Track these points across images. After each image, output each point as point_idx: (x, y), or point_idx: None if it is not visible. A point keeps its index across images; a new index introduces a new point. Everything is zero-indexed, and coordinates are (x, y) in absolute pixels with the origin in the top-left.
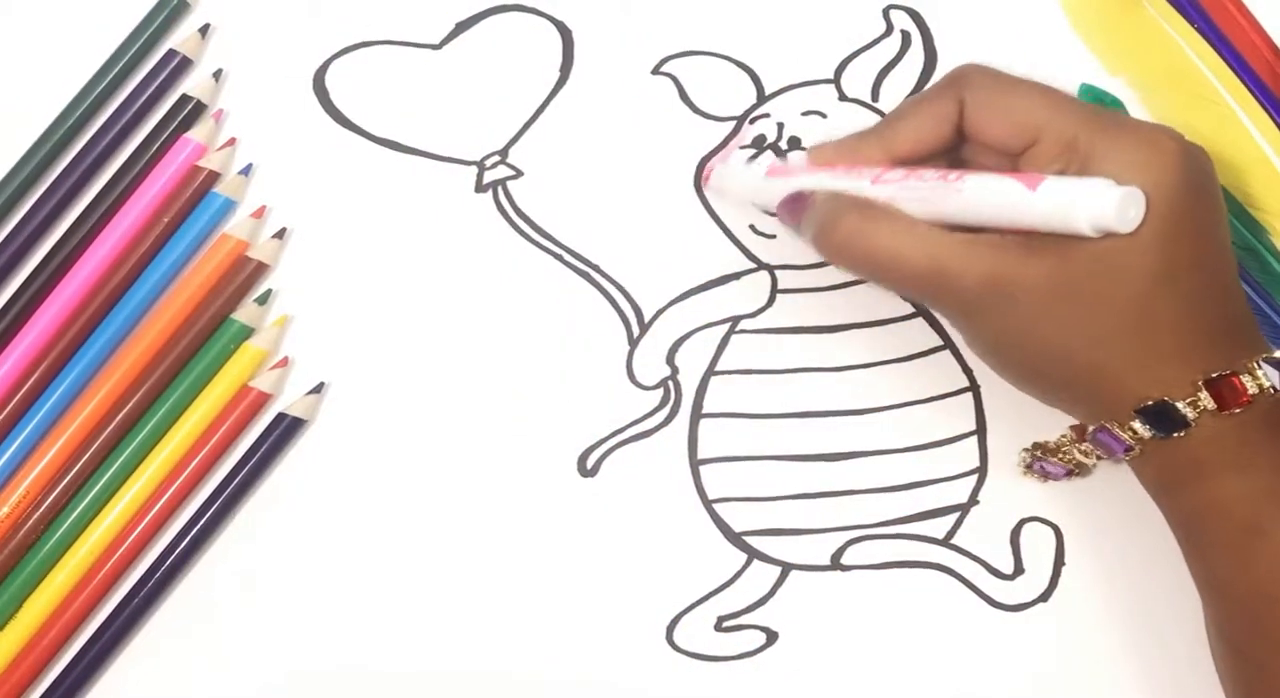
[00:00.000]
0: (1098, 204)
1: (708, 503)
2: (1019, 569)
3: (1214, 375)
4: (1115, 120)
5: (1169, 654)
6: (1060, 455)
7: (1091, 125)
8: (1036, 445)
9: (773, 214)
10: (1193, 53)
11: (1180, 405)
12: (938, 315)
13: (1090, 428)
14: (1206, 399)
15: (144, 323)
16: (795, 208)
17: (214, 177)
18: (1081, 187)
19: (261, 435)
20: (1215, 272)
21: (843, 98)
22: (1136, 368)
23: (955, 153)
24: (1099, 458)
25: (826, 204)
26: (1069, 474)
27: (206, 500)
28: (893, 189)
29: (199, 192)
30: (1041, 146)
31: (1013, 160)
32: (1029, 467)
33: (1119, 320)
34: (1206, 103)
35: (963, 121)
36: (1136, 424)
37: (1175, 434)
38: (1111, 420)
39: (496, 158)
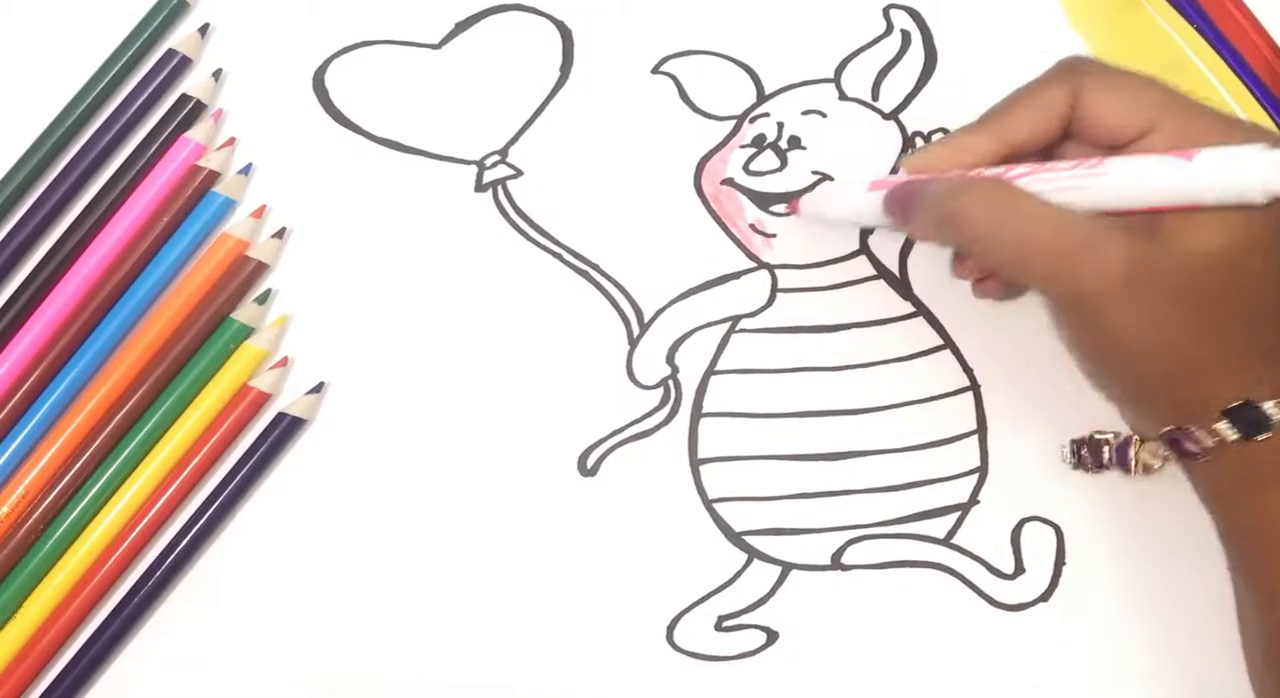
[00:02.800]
0: (1269, 168)
1: (708, 503)
2: (1019, 569)
3: None
4: (1224, 117)
5: (1170, 654)
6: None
7: (1203, 119)
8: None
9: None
10: (1193, 52)
11: (1267, 407)
12: (1053, 306)
13: (1166, 428)
14: None
15: (144, 323)
16: (907, 193)
17: (214, 176)
18: (1244, 153)
19: (261, 435)
20: None
21: (843, 97)
22: (1234, 368)
23: (1054, 149)
24: (1165, 460)
25: (950, 179)
26: (1125, 470)
27: (206, 500)
28: (1026, 183)
29: (199, 191)
30: (1154, 137)
31: (1111, 154)
32: (1088, 454)
33: (1233, 318)
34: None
35: (1075, 110)
36: (1222, 425)
37: (1258, 437)
38: (1193, 422)
39: (496, 157)
